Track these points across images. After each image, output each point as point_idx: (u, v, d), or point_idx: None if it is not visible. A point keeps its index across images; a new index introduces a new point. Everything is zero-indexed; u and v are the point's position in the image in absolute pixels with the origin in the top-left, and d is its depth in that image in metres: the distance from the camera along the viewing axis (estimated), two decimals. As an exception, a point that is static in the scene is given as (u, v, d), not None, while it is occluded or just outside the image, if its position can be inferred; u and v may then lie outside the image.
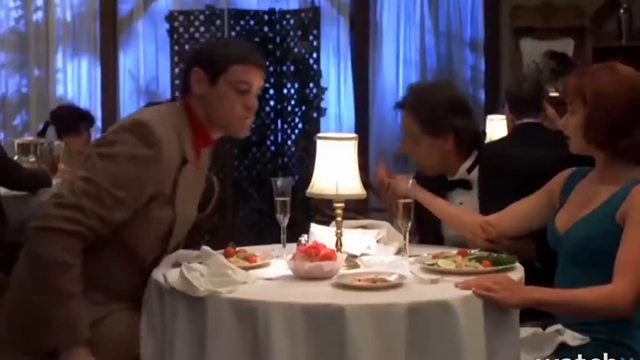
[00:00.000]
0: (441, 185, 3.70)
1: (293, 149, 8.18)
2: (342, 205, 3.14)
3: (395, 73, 8.79)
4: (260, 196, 8.08)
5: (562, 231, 3.04)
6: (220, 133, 3.28)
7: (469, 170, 3.67)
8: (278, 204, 3.31)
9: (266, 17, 8.26)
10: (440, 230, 3.76)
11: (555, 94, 8.04)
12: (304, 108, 8.11)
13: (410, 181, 3.28)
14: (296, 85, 8.15)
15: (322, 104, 8.11)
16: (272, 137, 8.27)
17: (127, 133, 2.99)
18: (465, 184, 3.68)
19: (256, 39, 8.17)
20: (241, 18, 8.20)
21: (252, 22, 8.23)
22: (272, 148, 8.27)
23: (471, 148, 3.66)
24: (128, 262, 3.09)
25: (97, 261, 3.00)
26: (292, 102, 8.19)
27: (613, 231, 2.87)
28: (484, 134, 6.29)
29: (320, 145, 3.16)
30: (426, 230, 3.74)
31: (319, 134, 3.22)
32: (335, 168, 3.11)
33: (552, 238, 3.10)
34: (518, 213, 3.34)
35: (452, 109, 3.60)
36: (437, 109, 3.57)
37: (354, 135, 3.20)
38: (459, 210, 3.59)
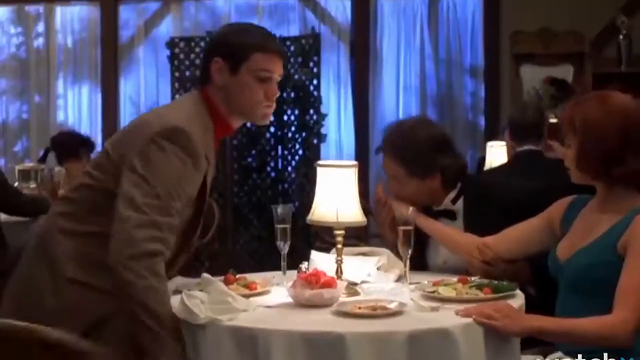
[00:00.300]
0: (426, 214, 3.68)
1: (293, 175, 8.18)
2: (342, 232, 3.14)
3: (396, 99, 8.81)
4: (261, 222, 8.07)
5: (563, 260, 3.03)
6: (242, 121, 3.23)
7: (454, 200, 3.66)
8: (278, 231, 3.32)
9: (267, 43, 8.26)
10: (425, 258, 3.75)
11: (555, 121, 8.04)
12: (304, 134, 8.11)
13: (411, 208, 3.28)
14: (296, 112, 8.16)
15: (323, 130, 8.11)
16: (272, 164, 8.27)
17: (166, 141, 2.91)
18: (450, 214, 3.67)
19: (256, 65, 8.17)
20: (242, 45, 8.18)
21: (252, 49, 8.21)
22: (273, 174, 8.28)
23: (457, 181, 3.65)
24: None
25: None
26: (293, 128, 8.19)
27: (614, 260, 2.86)
28: (483, 160, 6.31)
29: (321, 172, 3.16)
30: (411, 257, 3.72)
31: (319, 162, 3.21)
32: (336, 195, 3.11)
33: (552, 266, 3.09)
34: (516, 236, 3.34)
35: (436, 149, 3.57)
36: (421, 151, 3.54)
37: (354, 162, 3.20)
38: (457, 232, 3.58)
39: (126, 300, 2.81)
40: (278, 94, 3.11)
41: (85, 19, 9.07)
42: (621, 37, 8.19)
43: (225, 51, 3.05)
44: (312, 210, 3.18)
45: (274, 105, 3.14)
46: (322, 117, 8.12)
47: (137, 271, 2.78)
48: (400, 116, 8.72)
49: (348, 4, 8.80)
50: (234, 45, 3.05)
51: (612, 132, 2.90)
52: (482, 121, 8.77)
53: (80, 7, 9.05)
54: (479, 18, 8.73)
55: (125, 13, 9.06)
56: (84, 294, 2.97)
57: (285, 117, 8.20)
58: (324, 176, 3.15)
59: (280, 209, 3.33)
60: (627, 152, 2.90)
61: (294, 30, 8.72)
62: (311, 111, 8.11)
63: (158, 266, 2.82)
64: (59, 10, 9.04)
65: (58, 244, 3.02)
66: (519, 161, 5.37)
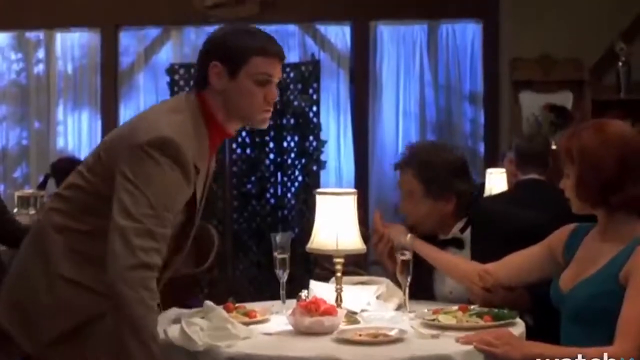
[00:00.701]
0: (434, 244, 3.68)
1: (293, 201, 8.18)
2: (342, 260, 3.13)
3: (395, 126, 8.82)
4: (260, 249, 8.06)
5: (565, 290, 3.02)
6: (240, 125, 3.16)
7: (462, 229, 3.66)
8: (277, 260, 3.31)
9: (266, 70, 8.27)
10: (433, 289, 3.74)
11: (554, 147, 8.04)
12: (303, 161, 8.12)
13: (410, 235, 3.27)
14: (296, 138, 8.18)
15: (322, 157, 8.12)
16: (271, 190, 8.28)
17: (157, 151, 2.83)
18: (458, 243, 3.66)
19: (256, 92, 8.18)
20: (242, 71, 8.20)
21: (252, 75, 8.22)
22: (272, 201, 8.28)
23: (468, 209, 3.65)
24: None
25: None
26: (292, 155, 8.21)
27: (616, 290, 2.85)
28: (483, 186, 6.31)
29: (320, 200, 3.15)
30: (418, 287, 3.70)
31: (319, 189, 3.22)
32: (335, 223, 3.11)
33: (555, 296, 3.08)
34: (516, 263, 3.33)
35: (455, 172, 3.60)
36: (441, 172, 3.57)
37: (353, 190, 3.20)
38: (458, 258, 3.57)
39: (115, 315, 2.76)
40: (277, 98, 3.06)
41: (85, 45, 9.09)
42: (620, 64, 8.19)
43: (223, 55, 2.96)
44: (311, 238, 3.18)
45: (272, 108, 3.07)
46: (321, 143, 8.13)
47: (132, 284, 2.71)
48: (400, 143, 8.74)
49: (348, 31, 8.82)
50: (232, 49, 2.96)
51: (610, 160, 2.90)
52: (481, 148, 8.77)
53: (81, 33, 9.06)
54: (478, 45, 8.76)
55: (126, 39, 9.07)
56: (76, 292, 2.92)
57: (285, 144, 8.22)
58: (323, 204, 3.15)
59: (279, 238, 3.33)
60: (625, 179, 2.90)
61: (293, 57, 8.73)
62: (311, 138, 8.12)
63: (151, 281, 2.75)
64: (59, 36, 9.05)
65: (52, 241, 2.97)
66: (522, 189, 5.37)
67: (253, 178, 8.18)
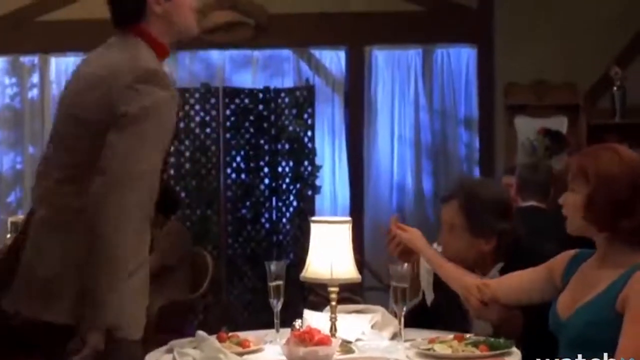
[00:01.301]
0: None
1: (288, 226, 8.16)
2: (336, 289, 3.10)
3: (390, 151, 8.78)
4: (255, 274, 8.04)
5: (563, 317, 3.00)
6: (174, 39, 3.28)
7: (502, 272, 3.57)
8: (271, 289, 3.29)
9: (261, 95, 8.31)
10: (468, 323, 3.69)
11: (553, 172, 8.04)
12: (298, 186, 8.13)
13: (405, 265, 3.25)
14: (291, 163, 8.18)
15: (317, 182, 8.12)
16: (266, 215, 8.27)
17: (150, 85, 2.98)
18: None
19: (251, 117, 8.22)
20: (236, 96, 8.25)
21: (246, 100, 8.27)
22: (267, 226, 8.27)
23: (508, 252, 3.60)
24: None
25: None
26: (287, 179, 8.21)
27: (614, 318, 2.82)
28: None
29: (314, 228, 3.13)
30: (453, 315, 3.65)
31: (313, 217, 3.19)
32: (330, 252, 3.08)
33: (553, 323, 3.06)
34: (517, 283, 3.31)
35: (500, 211, 3.56)
36: (486, 209, 3.53)
37: (347, 218, 3.18)
38: (461, 270, 3.52)
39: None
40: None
41: (79, 70, 9.04)
42: (615, 88, 8.19)
43: None
44: (305, 267, 3.16)
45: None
46: (316, 168, 8.12)
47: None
48: (395, 167, 8.73)
49: (342, 55, 8.79)
50: None
51: (625, 183, 2.91)
52: (476, 172, 8.73)
53: (75, 58, 8.99)
54: (473, 69, 8.73)
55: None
56: None
57: (280, 169, 8.22)
58: (317, 232, 3.13)
59: (273, 266, 3.30)
60: (637, 203, 2.90)
61: (288, 82, 8.71)
62: (305, 163, 8.12)
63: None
64: (53, 61, 9.02)
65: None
66: (521, 216, 5.34)
67: (248, 203, 8.17)
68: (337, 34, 8.67)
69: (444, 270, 3.54)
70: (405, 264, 3.26)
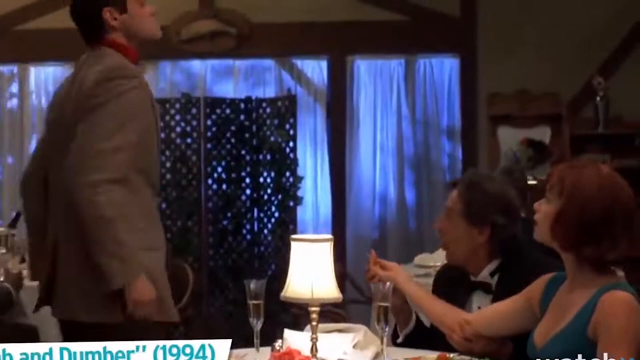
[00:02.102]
0: (462, 285, 3.58)
1: (269, 238, 8.10)
2: (317, 309, 3.03)
3: (372, 161, 8.73)
4: (236, 287, 7.96)
5: (539, 347, 2.92)
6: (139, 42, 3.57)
7: (493, 273, 3.53)
8: (251, 307, 3.21)
9: (242, 105, 8.25)
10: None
11: (533, 182, 8.00)
12: (280, 197, 8.07)
13: (388, 283, 3.18)
14: (272, 174, 8.12)
15: (299, 193, 8.07)
16: (248, 226, 8.20)
17: (113, 81, 3.35)
18: (487, 287, 3.54)
19: (232, 128, 8.15)
20: (217, 106, 8.19)
21: (228, 111, 8.21)
22: (248, 237, 8.20)
23: (502, 251, 3.55)
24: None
25: None
26: (269, 190, 8.15)
27: (587, 346, 2.73)
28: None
29: (295, 246, 3.06)
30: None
31: (293, 236, 3.12)
32: (310, 271, 3.01)
33: (531, 353, 2.98)
34: (496, 313, 3.23)
35: (497, 205, 3.50)
36: (485, 200, 3.48)
37: (329, 236, 3.10)
38: (440, 303, 3.46)
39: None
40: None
41: (59, 79, 8.94)
42: (598, 98, 8.17)
43: (108, 2, 3.49)
44: (285, 286, 3.08)
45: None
46: (298, 179, 8.08)
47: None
48: (377, 178, 8.68)
49: (324, 65, 8.75)
50: None
51: (596, 205, 2.79)
52: (459, 183, 8.68)
53: (55, 68, 8.95)
54: (456, 79, 8.70)
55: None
56: None
57: (261, 180, 8.16)
58: (298, 251, 3.05)
59: (252, 284, 3.23)
60: (603, 236, 2.80)
61: (270, 92, 8.66)
62: (287, 173, 8.07)
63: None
64: (32, 70, 8.94)
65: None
66: None
67: (229, 214, 8.11)
68: (319, 44, 8.63)
69: (425, 307, 3.46)
70: (388, 282, 3.19)
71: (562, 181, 2.85)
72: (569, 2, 8.34)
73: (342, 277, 7.43)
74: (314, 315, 3.04)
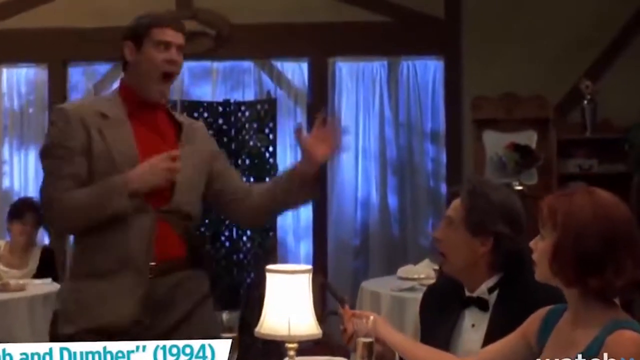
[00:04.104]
0: (456, 300, 3.37)
1: (248, 245, 7.92)
2: (295, 346, 2.81)
3: (354, 165, 8.55)
4: (214, 295, 7.73)
5: (538, 388, 2.72)
6: (154, 95, 3.51)
7: (491, 290, 3.31)
8: (224, 342, 2.98)
9: (221, 108, 8.09)
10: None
11: (519, 187, 7.83)
12: (260, 203, 7.84)
13: (372, 318, 2.96)
14: (252, 179, 7.91)
15: (279, 199, 7.85)
16: (226, 233, 8.04)
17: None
18: (483, 304, 3.33)
19: (210, 132, 7.93)
20: (195, 109, 8.01)
21: (205, 114, 8.05)
22: (227, 244, 8.03)
23: (504, 266, 3.34)
24: None
25: None
26: (248, 196, 7.92)
27: None
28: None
29: (271, 279, 2.83)
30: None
31: (269, 266, 2.88)
32: (287, 305, 2.79)
33: None
34: (489, 355, 3.01)
35: (503, 216, 3.28)
36: (489, 209, 3.26)
37: (307, 267, 2.87)
38: (430, 352, 3.23)
39: None
40: (179, 60, 3.51)
41: (32, 81, 8.73)
42: (586, 102, 8.00)
43: (130, 33, 3.52)
44: (260, 321, 2.85)
45: (178, 72, 3.55)
46: (278, 185, 7.88)
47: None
48: (359, 182, 8.49)
49: (305, 67, 8.55)
50: (137, 27, 3.52)
51: (594, 232, 2.58)
52: (443, 188, 8.52)
53: (28, 69, 8.72)
54: (440, 82, 8.52)
55: (75, 76, 8.72)
56: None
57: (240, 185, 7.94)
58: (274, 283, 2.83)
59: (225, 315, 3.00)
60: (606, 262, 2.59)
61: (249, 94, 8.47)
62: (267, 179, 7.88)
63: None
64: (5, 72, 8.70)
65: None
66: None
67: (207, 221, 7.89)
68: (299, 45, 8.43)
69: (401, 350, 3.23)
70: (372, 317, 2.97)
71: (554, 213, 2.64)
72: (556, 4, 8.16)
73: (323, 288, 7.22)
74: (292, 353, 2.83)
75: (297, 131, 3.61)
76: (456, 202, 3.35)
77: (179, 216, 3.47)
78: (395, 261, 8.23)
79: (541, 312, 2.85)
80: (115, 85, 3.67)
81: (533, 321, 2.86)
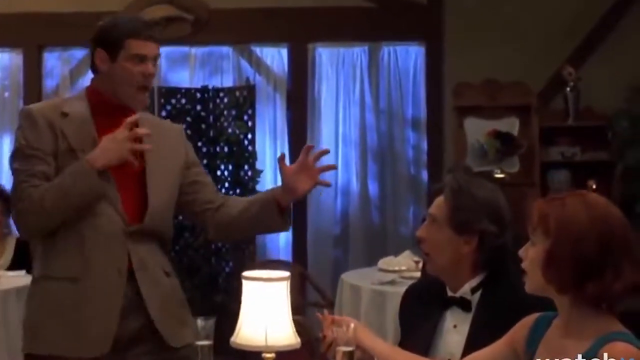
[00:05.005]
0: (437, 301, 3.28)
1: (227, 234, 7.79)
2: (272, 356, 2.71)
3: (335, 152, 8.41)
4: (192, 284, 7.65)
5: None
6: (134, 105, 3.45)
7: (474, 290, 3.22)
8: (199, 350, 2.88)
9: (199, 95, 7.98)
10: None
11: (501, 175, 7.75)
12: (238, 191, 7.82)
13: (352, 326, 2.85)
14: (230, 167, 7.89)
15: (258, 187, 7.80)
16: (205, 222, 7.87)
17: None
18: (465, 305, 3.24)
19: (188, 119, 7.86)
20: (172, 96, 7.91)
21: (183, 101, 7.94)
22: (206, 233, 7.88)
23: (488, 264, 3.23)
24: None
25: None
26: (226, 184, 7.90)
27: None
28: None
29: (247, 287, 2.72)
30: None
31: (245, 273, 2.77)
32: (264, 314, 2.68)
33: None
34: None
35: (487, 213, 3.19)
36: (473, 206, 3.17)
37: (285, 274, 2.76)
38: (403, 355, 3.13)
39: None
40: (154, 72, 3.43)
41: (7, 67, 8.58)
42: (568, 89, 7.91)
43: (104, 42, 3.40)
44: (236, 331, 2.74)
45: (150, 88, 3.47)
46: (257, 173, 7.84)
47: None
48: (339, 170, 8.39)
49: (285, 53, 8.43)
50: (111, 36, 3.39)
51: (591, 237, 2.49)
52: (424, 175, 8.42)
53: (2, 54, 8.57)
54: (421, 68, 8.42)
55: (50, 61, 8.58)
56: None
57: (219, 173, 7.89)
58: (250, 290, 2.72)
59: (201, 322, 2.89)
60: (605, 266, 2.50)
61: (227, 80, 8.34)
62: (246, 167, 7.86)
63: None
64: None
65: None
66: None
67: (185, 209, 7.79)
68: (279, 31, 8.31)
69: (382, 358, 3.13)
70: (352, 324, 2.87)
71: (545, 219, 2.54)
72: (539, -11, 8.07)
73: (302, 279, 7.15)
74: (268, 364, 2.72)
75: (280, 159, 3.50)
76: (439, 200, 3.25)
77: (151, 236, 3.44)
78: (375, 249, 8.15)
79: (529, 320, 2.75)
80: (92, 73, 3.53)
81: (520, 328, 2.76)
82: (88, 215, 3.31)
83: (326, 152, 3.63)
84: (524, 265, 2.63)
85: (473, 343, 3.11)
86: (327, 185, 3.64)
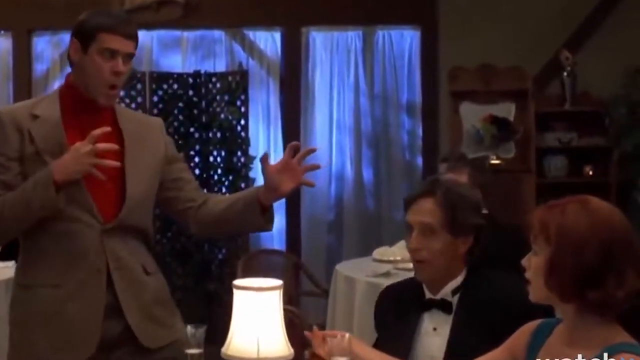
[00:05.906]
0: (414, 303, 3.22)
1: (219, 220, 7.71)
2: (264, 369, 2.62)
3: (329, 138, 8.36)
4: (184, 271, 7.59)
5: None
6: (101, 100, 3.33)
7: (455, 291, 3.18)
8: (189, 358, 2.79)
9: (191, 80, 7.89)
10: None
11: (497, 161, 7.68)
12: (231, 177, 7.76)
13: (347, 336, 2.77)
14: (223, 153, 7.81)
15: (251, 174, 7.75)
16: (197, 209, 7.79)
17: None
18: (446, 306, 3.18)
19: (180, 104, 7.77)
20: (164, 81, 7.82)
21: (175, 86, 7.84)
22: (198, 220, 7.80)
23: (476, 261, 3.20)
24: None
25: None
26: (219, 171, 7.83)
27: None
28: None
29: (238, 295, 2.63)
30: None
31: (236, 282, 2.68)
32: (256, 324, 2.59)
33: None
34: None
35: (475, 206, 3.21)
36: (464, 204, 3.16)
37: (278, 283, 2.67)
38: None
39: None
40: (124, 71, 3.29)
41: (-3, 50, 8.50)
42: (565, 74, 7.83)
43: (79, 32, 3.32)
44: (227, 342, 2.65)
45: (121, 85, 3.34)
46: (250, 159, 7.76)
47: None
48: (334, 156, 8.31)
49: (278, 37, 8.32)
50: (85, 27, 3.31)
51: (593, 244, 2.41)
52: (419, 161, 8.36)
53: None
54: (416, 52, 8.35)
55: (40, 45, 8.46)
56: None
57: (211, 159, 7.83)
58: (241, 300, 2.63)
59: (191, 329, 2.81)
60: (607, 273, 2.42)
61: (220, 65, 8.24)
62: (239, 153, 7.78)
63: None
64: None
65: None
66: None
67: (177, 196, 7.70)
68: (272, 14, 8.22)
69: None
70: (347, 334, 2.78)
71: (546, 227, 2.46)
72: (536, -27, 7.97)
73: (297, 268, 7.06)
74: (261, 376, 2.63)
75: (263, 159, 3.34)
76: (427, 207, 3.18)
77: (129, 233, 3.34)
78: (370, 235, 8.09)
79: (530, 326, 2.68)
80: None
81: (521, 335, 2.69)
82: (63, 221, 3.22)
83: (312, 151, 3.45)
84: (527, 274, 2.56)
85: (455, 345, 3.06)
86: (312, 185, 3.48)
